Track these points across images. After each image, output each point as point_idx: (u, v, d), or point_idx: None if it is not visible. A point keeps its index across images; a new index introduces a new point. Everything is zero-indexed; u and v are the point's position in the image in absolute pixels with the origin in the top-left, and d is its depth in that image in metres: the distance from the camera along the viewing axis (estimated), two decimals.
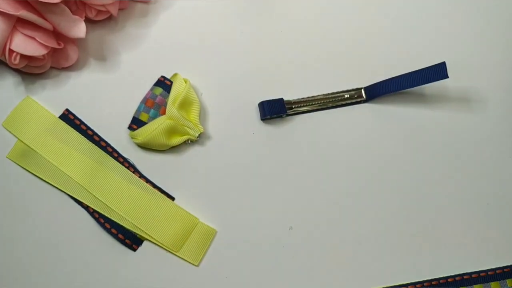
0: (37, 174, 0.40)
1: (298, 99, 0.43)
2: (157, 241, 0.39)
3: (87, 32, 0.39)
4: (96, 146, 0.41)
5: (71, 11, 0.39)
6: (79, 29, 0.39)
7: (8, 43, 0.38)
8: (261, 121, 0.43)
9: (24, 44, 0.38)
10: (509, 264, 0.40)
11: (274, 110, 0.42)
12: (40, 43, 0.38)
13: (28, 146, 0.41)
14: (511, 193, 0.42)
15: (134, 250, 0.39)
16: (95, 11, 0.41)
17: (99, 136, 0.41)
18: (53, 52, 0.41)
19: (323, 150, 0.42)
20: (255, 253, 0.40)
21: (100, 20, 0.43)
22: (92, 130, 0.42)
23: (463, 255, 0.40)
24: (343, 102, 0.43)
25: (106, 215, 0.39)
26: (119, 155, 0.41)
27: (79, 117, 0.42)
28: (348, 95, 0.43)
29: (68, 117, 0.42)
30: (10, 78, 0.43)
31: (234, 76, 0.43)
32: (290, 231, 0.40)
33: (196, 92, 0.42)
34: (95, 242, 0.39)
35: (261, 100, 0.42)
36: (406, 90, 0.42)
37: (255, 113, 0.43)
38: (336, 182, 0.41)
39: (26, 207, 0.40)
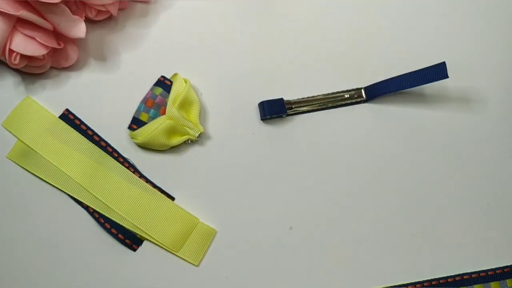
0: (37, 174, 0.40)
1: (298, 99, 0.43)
2: (157, 241, 0.39)
3: (87, 32, 0.39)
4: (96, 146, 0.41)
5: (71, 11, 0.39)
6: (79, 29, 0.39)
7: (8, 43, 0.38)
8: (261, 121, 0.43)
9: (24, 44, 0.38)
10: (509, 264, 0.40)
11: (274, 110, 0.42)
12: (40, 43, 0.38)
13: (28, 146, 0.41)
14: (511, 193, 0.42)
15: (134, 250, 0.39)
16: (95, 11, 0.41)
17: (99, 136, 0.41)
18: (53, 52, 0.41)
19: (323, 150, 0.42)
20: (255, 253, 0.40)
21: (100, 20, 0.43)
22: (92, 130, 0.42)
23: (463, 255, 0.40)
24: (343, 102, 0.43)
25: (106, 215, 0.39)
26: (119, 155, 0.41)
27: (79, 117, 0.42)
28: (348, 95, 0.43)
29: (68, 117, 0.42)
30: (10, 78, 0.43)
31: (234, 76, 0.43)
32: (290, 231, 0.40)
33: (196, 92, 0.42)
34: (95, 242, 0.39)
35: (261, 100, 0.42)
36: (406, 90, 0.42)
37: (255, 113, 0.43)
38: (336, 182, 0.41)
39: (26, 207, 0.40)
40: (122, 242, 0.39)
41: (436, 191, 0.41)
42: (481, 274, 0.39)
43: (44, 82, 0.43)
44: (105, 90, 0.43)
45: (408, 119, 0.43)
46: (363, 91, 0.43)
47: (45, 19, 0.38)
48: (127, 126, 0.41)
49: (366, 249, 0.40)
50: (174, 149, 0.41)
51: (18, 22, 0.38)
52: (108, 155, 0.41)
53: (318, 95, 0.43)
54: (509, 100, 0.44)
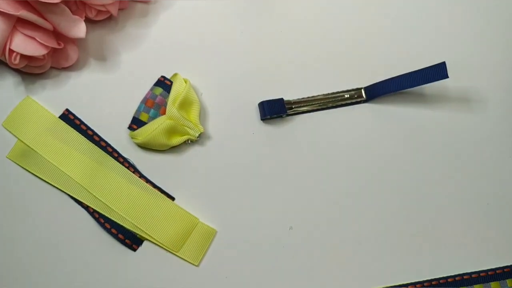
0: (37, 174, 0.40)
1: (298, 99, 0.43)
2: (157, 241, 0.39)
3: (87, 32, 0.39)
4: (96, 146, 0.41)
5: (71, 11, 0.39)
6: (79, 29, 0.39)
7: (8, 43, 0.38)
8: (261, 121, 0.43)
9: (24, 44, 0.38)
10: (509, 264, 0.40)
11: (274, 110, 0.42)
12: (40, 43, 0.38)
13: (28, 146, 0.41)
14: (511, 193, 0.42)
15: (134, 250, 0.39)
16: (95, 11, 0.41)
17: (99, 136, 0.41)
18: (53, 52, 0.41)
19: (323, 150, 0.42)
20: (255, 253, 0.40)
21: (100, 20, 0.43)
22: (92, 130, 0.42)
23: (463, 255, 0.40)
24: (343, 102, 0.43)
25: (106, 215, 0.39)
26: (119, 155, 0.41)
27: (79, 117, 0.42)
28: (348, 95, 0.43)
29: (68, 117, 0.42)
30: (10, 78, 0.43)
31: (234, 76, 0.43)
32: (290, 231, 0.40)
33: (196, 92, 0.42)
34: (95, 242, 0.39)
35: (261, 100, 0.42)
36: (406, 90, 0.42)
37: (255, 113, 0.43)
38: (336, 182, 0.41)
39: (26, 207, 0.40)
40: (122, 242, 0.39)
41: (436, 191, 0.41)
42: (481, 274, 0.39)
43: (44, 82, 0.43)
44: (105, 90, 0.43)
45: (408, 119, 0.43)
46: (363, 91, 0.43)
47: (45, 19, 0.38)
48: (127, 126, 0.41)
49: (366, 249, 0.40)
50: (174, 149, 0.41)
51: (18, 22, 0.38)
52: (108, 155, 0.41)
53: (318, 95, 0.43)
54: (509, 100, 0.44)
